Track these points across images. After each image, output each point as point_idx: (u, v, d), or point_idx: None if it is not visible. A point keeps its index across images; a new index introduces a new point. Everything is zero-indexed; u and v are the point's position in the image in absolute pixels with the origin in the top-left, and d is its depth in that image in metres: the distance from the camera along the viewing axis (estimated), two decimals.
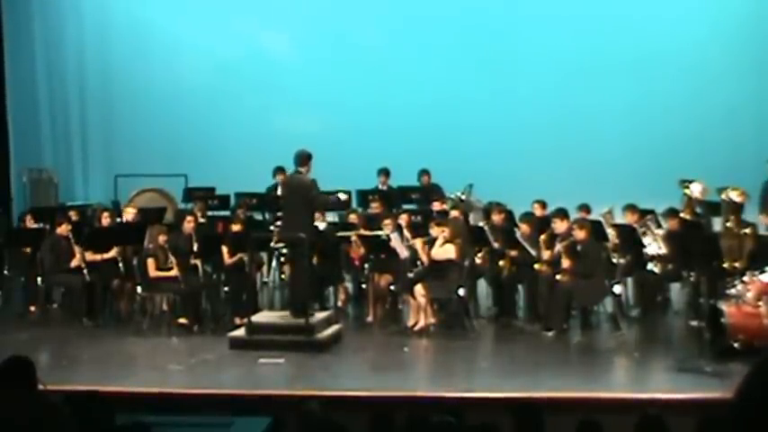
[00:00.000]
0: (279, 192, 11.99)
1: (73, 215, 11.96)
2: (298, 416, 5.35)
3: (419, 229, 10.91)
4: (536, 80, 14.81)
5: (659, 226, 10.78)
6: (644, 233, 10.38)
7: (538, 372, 8.43)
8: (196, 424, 5.74)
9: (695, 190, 11.10)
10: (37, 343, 9.71)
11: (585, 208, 11.15)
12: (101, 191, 15.68)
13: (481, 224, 11.22)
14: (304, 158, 9.80)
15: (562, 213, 10.39)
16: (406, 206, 12.59)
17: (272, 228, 11.26)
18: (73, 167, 16.19)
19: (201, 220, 11.63)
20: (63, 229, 10.89)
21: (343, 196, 10.82)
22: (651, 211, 11.01)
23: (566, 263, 9.95)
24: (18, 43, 15.76)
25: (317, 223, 10.62)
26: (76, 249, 10.78)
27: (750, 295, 8.69)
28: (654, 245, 10.30)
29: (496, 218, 11.11)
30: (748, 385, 2.59)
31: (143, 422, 4.76)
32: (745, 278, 8.88)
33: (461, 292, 10.01)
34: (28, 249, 11.35)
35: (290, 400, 7.15)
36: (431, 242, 10.25)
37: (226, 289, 10.75)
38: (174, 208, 13.51)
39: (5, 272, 11.82)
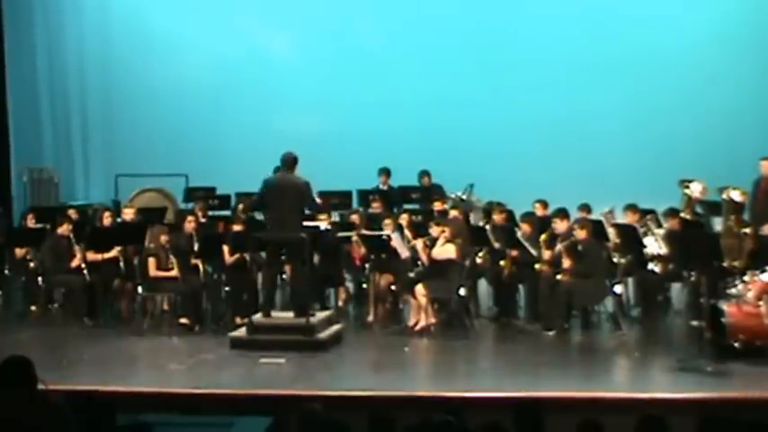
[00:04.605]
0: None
1: (73, 215, 11.93)
2: (299, 416, 5.35)
3: (420, 229, 10.91)
4: (536, 80, 14.80)
5: (660, 226, 10.78)
6: (645, 233, 10.38)
7: (538, 372, 8.43)
8: (196, 424, 5.75)
9: (695, 190, 11.11)
10: (37, 343, 9.71)
11: (586, 208, 11.14)
12: (101, 190, 15.65)
13: (482, 224, 11.23)
14: (292, 162, 9.69)
15: (563, 213, 10.39)
16: (406, 206, 12.58)
17: None
18: (74, 167, 16.17)
19: (202, 219, 11.61)
20: (64, 229, 10.87)
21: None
22: (652, 211, 11.01)
23: (566, 263, 9.94)
24: (18, 42, 15.76)
25: (318, 224, 10.61)
26: (77, 249, 10.78)
27: (750, 295, 8.69)
28: (654, 245, 10.30)
29: (497, 218, 11.10)
30: None
31: (144, 422, 4.77)
32: (746, 278, 8.89)
33: (462, 291, 10.02)
34: (23, 250, 11.34)
35: (291, 400, 7.15)
36: (431, 242, 10.25)
37: (226, 289, 10.74)
38: (175, 208, 13.50)
39: (5, 272, 11.82)
